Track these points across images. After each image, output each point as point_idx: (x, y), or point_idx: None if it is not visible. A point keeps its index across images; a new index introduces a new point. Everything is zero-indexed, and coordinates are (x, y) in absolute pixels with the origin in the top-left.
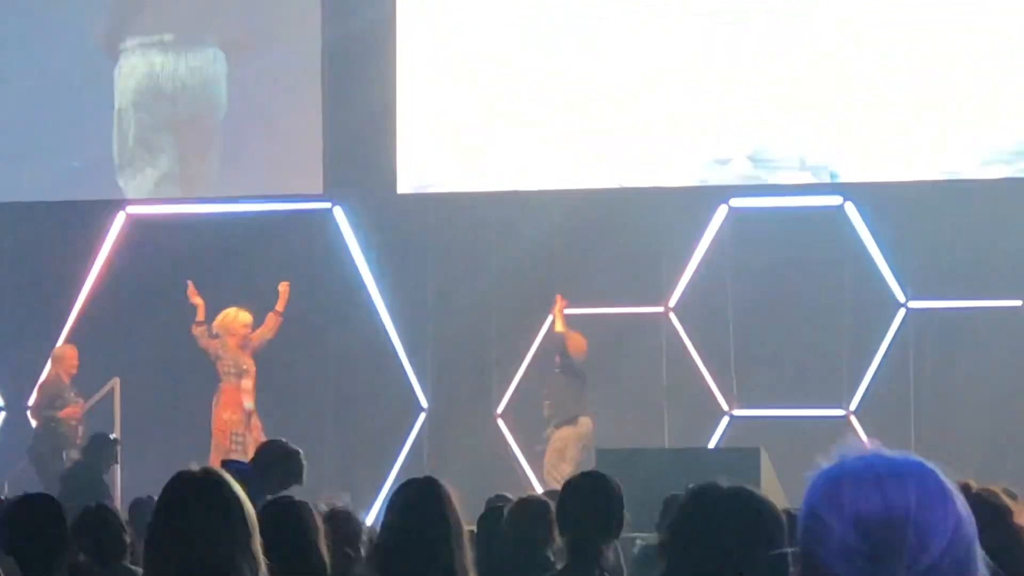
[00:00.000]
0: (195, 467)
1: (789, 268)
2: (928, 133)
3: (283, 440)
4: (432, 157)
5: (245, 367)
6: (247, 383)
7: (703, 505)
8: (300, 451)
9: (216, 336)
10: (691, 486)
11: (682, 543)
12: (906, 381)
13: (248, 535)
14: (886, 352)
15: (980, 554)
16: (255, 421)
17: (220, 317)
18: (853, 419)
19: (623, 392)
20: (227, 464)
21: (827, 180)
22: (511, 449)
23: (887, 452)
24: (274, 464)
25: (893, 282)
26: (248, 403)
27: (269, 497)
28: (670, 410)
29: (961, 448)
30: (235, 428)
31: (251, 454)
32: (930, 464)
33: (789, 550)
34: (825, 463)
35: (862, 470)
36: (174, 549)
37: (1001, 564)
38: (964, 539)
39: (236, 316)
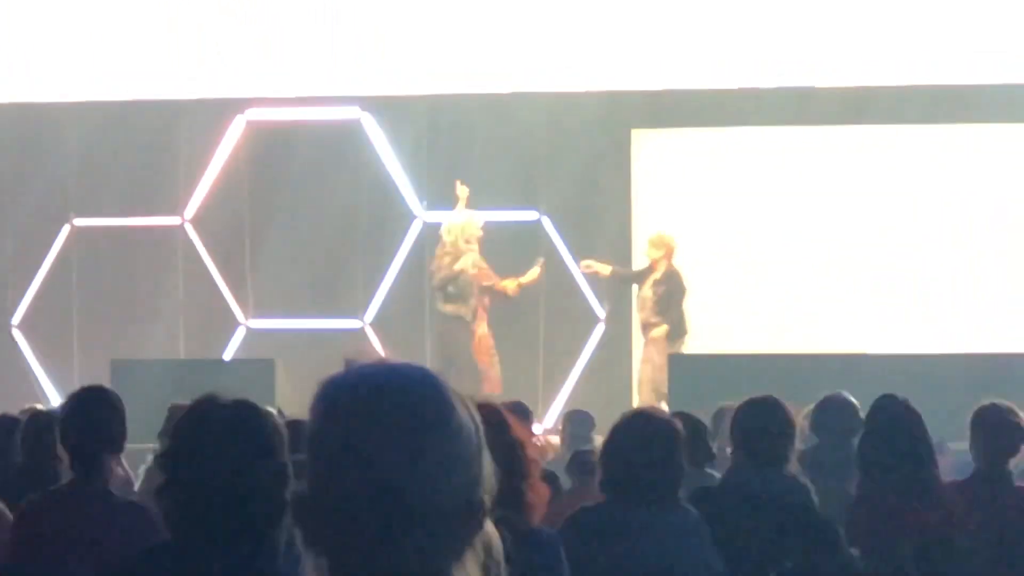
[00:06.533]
0: None
1: (307, 181)
2: (449, 44)
3: None
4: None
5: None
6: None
7: (201, 418)
8: None
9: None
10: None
11: (180, 454)
12: (421, 292)
13: None
14: (402, 264)
15: (487, 463)
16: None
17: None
18: (369, 330)
19: (139, 304)
20: None
21: (345, 94)
22: (28, 361)
23: (394, 362)
24: None
25: (410, 194)
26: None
27: None
28: (186, 321)
29: None
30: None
31: None
32: (437, 374)
33: (290, 461)
34: (334, 372)
35: (361, 380)
36: None
37: (507, 473)
38: (468, 448)
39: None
